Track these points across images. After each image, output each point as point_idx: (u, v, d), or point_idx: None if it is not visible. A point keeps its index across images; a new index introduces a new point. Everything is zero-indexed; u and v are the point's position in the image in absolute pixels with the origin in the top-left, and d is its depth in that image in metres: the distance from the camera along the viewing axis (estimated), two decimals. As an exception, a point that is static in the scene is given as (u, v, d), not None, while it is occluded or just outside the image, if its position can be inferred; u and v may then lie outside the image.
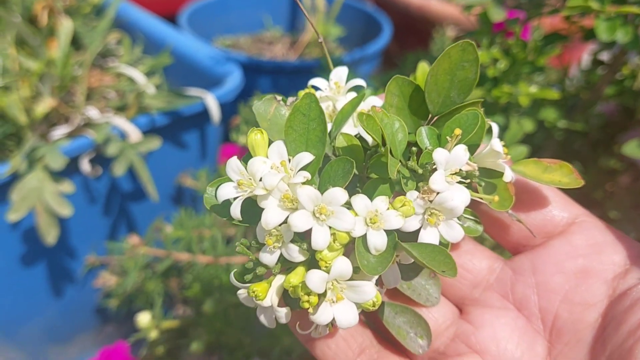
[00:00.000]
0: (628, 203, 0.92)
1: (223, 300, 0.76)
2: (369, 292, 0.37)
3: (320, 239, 0.36)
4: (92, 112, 1.03)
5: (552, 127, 0.87)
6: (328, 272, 0.36)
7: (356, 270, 0.37)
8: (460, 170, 0.39)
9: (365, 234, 0.37)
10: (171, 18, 1.58)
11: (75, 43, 1.17)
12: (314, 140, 0.39)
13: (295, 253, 0.37)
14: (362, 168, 0.42)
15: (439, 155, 0.39)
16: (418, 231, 0.40)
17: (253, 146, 0.39)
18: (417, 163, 0.41)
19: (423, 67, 0.54)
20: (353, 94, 0.47)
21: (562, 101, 0.93)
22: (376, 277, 0.39)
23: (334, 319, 0.37)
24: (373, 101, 0.45)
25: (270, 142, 0.40)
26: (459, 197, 0.39)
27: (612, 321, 0.39)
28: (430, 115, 0.44)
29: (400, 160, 0.41)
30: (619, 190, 0.94)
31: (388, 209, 0.38)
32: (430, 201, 0.39)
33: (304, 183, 0.37)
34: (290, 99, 0.44)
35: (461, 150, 0.39)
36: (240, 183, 0.38)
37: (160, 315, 0.87)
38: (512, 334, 0.44)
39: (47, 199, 0.89)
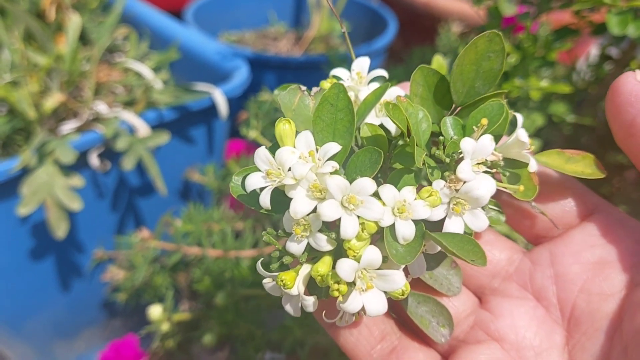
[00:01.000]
0: (635, 197, 0.92)
1: (234, 292, 0.76)
2: (398, 280, 0.37)
3: (349, 229, 0.36)
4: (101, 107, 1.04)
5: (560, 121, 0.87)
6: (357, 261, 0.37)
7: (384, 259, 0.37)
8: (485, 160, 0.40)
9: (394, 224, 0.38)
10: (177, 13, 1.58)
11: (83, 38, 1.17)
12: (342, 131, 0.40)
13: (323, 242, 0.37)
14: (386, 158, 0.42)
15: (467, 144, 0.39)
16: (442, 220, 0.40)
17: (281, 136, 0.40)
18: (444, 152, 0.41)
19: (438, 60, 0.55)
20: (374, 84, 0.47)
21: (570, 96, 0.93)
22: (403, 266, 0.39)
23: (362, 307, 0.37)
24: (394, 92, 0.45)
25: (296, 132, 0.40)
26: (485, 186, 0.39)
27: (629, 311, 0.40)
28: (453, 106, 0.44)
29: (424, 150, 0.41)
30: (627, 185, 0.95)
31: (415, 199, 0.38)
32: (457, 190, 0.39)
33: (332, 173, 0.37)
34: (315, 89, 0.44)
35: (487, 140, 0.40)
36: (269, 173, 0.38)
37: (171, 308, 0.87)
38: (531, 322, 0.44)
39: (57, 193, 0.89)
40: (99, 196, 1.06)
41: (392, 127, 0.43)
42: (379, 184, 0.38)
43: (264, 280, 0.41)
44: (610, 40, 0.92)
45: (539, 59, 0.73)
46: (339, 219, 0.36)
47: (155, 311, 0.84)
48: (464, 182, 0.39)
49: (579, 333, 0.43)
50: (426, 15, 1.62)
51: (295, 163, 0.37)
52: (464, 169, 0.38)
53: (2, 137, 0.99)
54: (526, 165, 0.43)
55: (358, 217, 0.37)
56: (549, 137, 0.96)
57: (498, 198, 0.47)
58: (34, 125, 0.99)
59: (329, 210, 0.36)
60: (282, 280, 0.38)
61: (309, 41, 1.70)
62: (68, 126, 1.00)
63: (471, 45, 0.42)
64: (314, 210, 0.37)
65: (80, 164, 0.96)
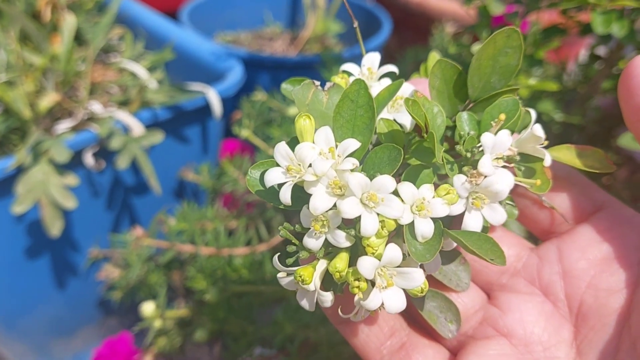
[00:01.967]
0: (625, 196, 0.93)
1: (226, 289, 0.77)
2: (418, 278, 0.38)
3: (369, 226, 0.36)
4: (96, 107, 1.04)
5: (549, 120, 0.88)
6: (377, 258, 0.37)
7: (402, 257, 0.38)
8: (502, 155, 0.41)
9: (413, 222, 0.38)
10: (172, 14, 1.59)
11: (78, 39, 1.18)
12: (361, 127, 0.40)
13: (342, 239, 0.37)
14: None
15: (488, 139, 0.40)
16: (456, 216, 0.41)
17: (301, 132, 0.40)
18: (463, 147, 0.42)
19: (434, 57, 0.55)
20: (385, 80, 0.48)
21: (559, 95, 0.94)
22: (419, 263, 0.39)
23: (382, 304, 0.38)
24: (406, 88, 0.45)
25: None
26: (505, 180, 0.40)
27: (638, 306, 0.40)
28: (468, 100, 0.45)
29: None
30: (617, 183, 0.96)
31: (434, 197, 0.39)
32: (477, 185, 0.40)
33: (352, 170, 0.37)
34: (328, 84, 0.44)
35: (505, 135, 0.40)
36: (290, 169, 0.38)
37: (164, 305, 0.88)
38: (539, 318, 0.45)
39: (52, 192, 0.90)
40: (93, 195, 1.07)
41: (405, 123, 0.44)
42: (402, 182, 0.39)
43: (279, 275, 0.41)
44: (599, 40, 0.93)
45: (527, 57, 0.74)
46: (358, 216, 0.36)
47: (148, 308, 0.85)
48: (485, 177, 0.39)
49: (586, 328, 0.43)
50: (420, 16, 1.63)
51: (316, 159, 0.37)
52: (485, 164, 0.39)
53: (-2, 137, 1.00)
54: (539, 159, 0.44)
55: (378, 214, 0.37)
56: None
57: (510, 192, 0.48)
58: (29, 125, 1.00)
59: (350, 208, 0.36)
60: (300, 276, 0.38)
61: (304, 41, 1.71)
62: (63, 125, 1.01)
63: (490, 40, 0.43)
64: (333, 207, 0.37)
65: (75, 163, 0.97)
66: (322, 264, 0.40)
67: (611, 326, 0.42)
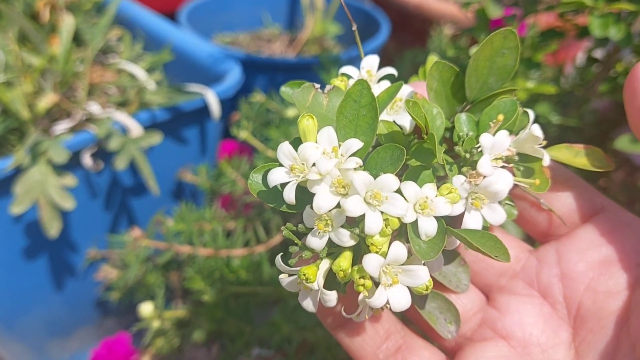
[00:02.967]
0: (622, 198, 0.94)
1: (224, 290, 0.77)
2: (423, 276, 0.38)
3: (374, 224, 0.36)
4: (94, 108, 1.05)
5: (546, 122, 0.89)
6: (382, 256, 0.37)
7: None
8: (501, 155, 0.41)
9: (416, 220, 0.38)
10: (170, 15, 1.59)
11: (77, 39, 1.18)
12: (364, 127, 0.40)
13: (345, 237, 0.37)
14: None
15: (486, 140, 0.40)
16: (457, 217, 0.41)
17: (304, 132, 0.40)
18: (462, 148, 0.42)
19: (432, 59, 0.56)
20: (385, 82, 0.48)
21: (557, 98, 0.94)
22: (422, 262, 0.39)
23: (387, 302, 0.38)
24: (405, 90, 0.46)
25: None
26: (504, 180, 0.40)
27: (635, 309, 0.40)
28: (466, 102, 0.45)
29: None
30: (613, 185, 0.96)
31: (436, 196, 0.39)
32: (477, 185, 0.40)
33: (355, 169, 0.37)
34: (328, 87, 0.44)
35: (504, 136, 0.41)
36: (293, 168, 0.38)
37: (162, 305, 0.88)
38: (537, 320, 0.45)
39: (50, 192, 0.90)
40: (91, 196, 1.07)
41: (405, 124, 0.44)
42: (405, 181, 0.39)
43: (281, 276, 0.41)
44: (596, 43, 0.93)
45: (525, 60, 0.74)
46: (362, 215, 0.37)
47: (146, 308, 0.85)
48: (484, 177, 0.40)
49: (585, 330, 0.43)
50: (418, 18, 1.63)
51: (320, 159, 0.37)
52: (484, 164, 0.39)
53: (-4, 137, 1.00)
54: (537, 159, 0.44)
55: (382, 213, 0.37)
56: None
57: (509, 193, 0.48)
58: (27, 125, 1.00)
59: (354, 206, 0.36)
60: (304, 275, 0.38)
61: (303, 43, 1.71)
62: (61, 126, 1.01)
63: (487, 41, 0.43)
64: (337, 206, 0.37)
65: (73, 164, 0.97)
66: (325, 264, 0.40)
67: (610, 328, 0.42)
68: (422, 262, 0.39)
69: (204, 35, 1.49)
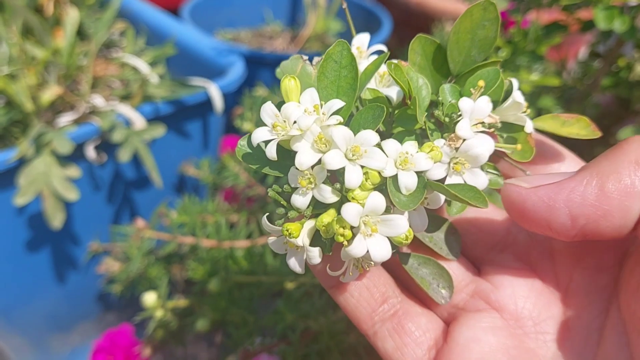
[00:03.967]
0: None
1: (228, 279, 0.77)
2: (401, 225, 0.38)
3: (353, 178, 0.37)
4: (97, 100, 1.05)
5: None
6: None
7: (387, 210, 0.38)
8: (483, 121, 0.41)
9: (396, 175, 0.39)
10: (174, 11, 1.59)
11: (81, 33, 1.19)
12: (345, 88, 0.41)
13: (327, 193, 0.38)
14: (387, 123, 0.43)
15: (465, 104, 0.41)
16: (442, 181, 0.41)
17: (287, 92, 0.41)
18: (443, 113, 0.42)
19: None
20: (374, 57, 0.48)
21: (559, 92, 0.95)
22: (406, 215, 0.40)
23: (367, 254, 0.38)
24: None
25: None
26: (484, 144, 0.40)
27: (625, 284, 0.41)
28: (451, 76, 0.46)
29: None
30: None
31: (417, 152, 0.40)
32: (457, 149, 0.40)
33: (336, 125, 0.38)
34: (316, 59, 0.45)
35: (485, 101, 0.41)
36: (275, 125, 0.39)
37: (165, 295, 0.89)
38: (530, 294, 0.45)
39: (54, 183, 0.90)
40: (95, 188, 1.07)
41: (392, 96, 0.45)
42: (387, 139, 0.39)
43: (269, 238, 0.42)
44: (599, 38, 0.93)
45: (529, 53, 0.74)
46: (343, 170, 0.37)
47: (149, 298, 0.85)
48: (463, 141, 0.40)
49: (574, 305, 0.44)
50: (420, 15, 1.64)
51: (301, 116, 0.39)
52: (463, 127, 0.40)
53: (0, 129, 1.01)
54: (522, 128, 0.44)
55: (362, 167, 0.38)
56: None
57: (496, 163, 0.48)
58: (31, 117, 1.00)
59: (334, 160, 0.37)
60: (287, 230, 0.38)
61: (305, 40, 1.71)
62: (65, 119, 1.01)
63: (466, 13, 0.43)
64: (319, 163, 0.38)
65: (76, 156, 0.97)
66: (309, 223, 0.40)
67: (599, 302, 0.43)
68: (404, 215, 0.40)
69: (206, 32, 1.50)
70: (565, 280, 0.45)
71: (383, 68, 0.46)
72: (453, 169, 0.41)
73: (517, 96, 0.43)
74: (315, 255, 0.40)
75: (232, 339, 0.75)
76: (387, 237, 0.39)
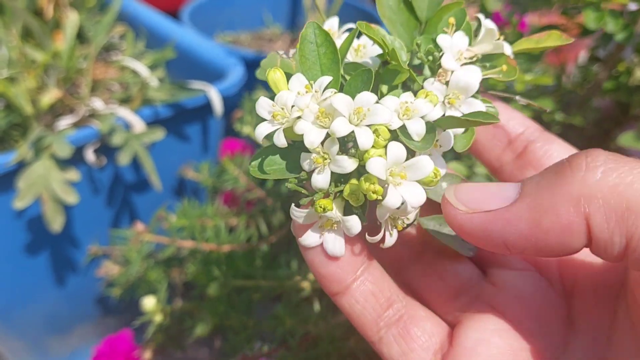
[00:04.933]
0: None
1: (227, 284, 0.77)
2: (426, 164, 0.38)
3: (364, 139, 0.37)
4: (97, 104, 1.05)
5: (550, 120, 0.89)
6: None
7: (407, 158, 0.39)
8: (462, 55, 0.44)
9: (404, 125, 0.39)
10: (173, 14, 1.59)
11: (80, 36, 1.19)
12: (327, 64, 0.42)
13: (345, 162, 0.38)
14: (373, 88, 0.44)
15: (444, 40, 0.43)
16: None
17: (275, 83, 0.41)
18: (425, 56, 0.44)
19: None
20: (345, 35, 0.49)
21: (559, 96, 0.95)
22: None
23: (403, 205, 0.38)
24: (365, 39, 0.48)
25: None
26: (472, 73, 0.42)
27: (633, 283, 0.40)
28: (420, 23, 0.47)
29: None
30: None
31: (415, 99, 0.41)
32: (447, 83, 0.42)
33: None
34: (292, 51, 0.46)
35: (460, 35, 0.44)
36: (275, 115, 0.40)
37: (164, 299, 0.88)
38: (535, 295, 0.45)
39: (54, 187, 0.90)
40: (94, 191, 1.07)
41: (369, 62, 0.46)
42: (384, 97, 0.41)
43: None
44: (598, 42, 0.94)
45: (526, 55, 0.74)
46: (353, 138, 0.38)
47: (149, 302, 0.85)
48: (451, 72, 0.42)
49: (581, 305, 0.44)
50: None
51: (297, 98, 0.39)
52: (448, 59, 0.42)
53: (-1, 132, 1.01)
54: (502, 56, 0.46)
55: (369, 126, 0.38)
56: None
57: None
58: (30, 121, 1.00)
59: (341, 126, 0.37)
60: (320, 206, 0.38)
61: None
62: (64, 122, 1.01)
63: None
64: (327, 138, 0.38)
65: (76, 160, 0.97)
66: (336, 202, 0.40)
67: (606, 302, 0.42)
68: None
69: (205, 35, 1.50)
70: (571, 281, 0.45)
71: (355, 44, 0.47)
72: (449, 103, 0.43)
73: (488, 24, 0.45)
74: (354, 223, 0.40)
75: (231, 344, 0.74)
76: (417, 182, 0.39)
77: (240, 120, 1.07)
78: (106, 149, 1.01)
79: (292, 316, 0.68)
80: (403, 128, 0.39)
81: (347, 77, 0.43)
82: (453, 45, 0.43)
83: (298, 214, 0.41)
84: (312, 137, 0.38)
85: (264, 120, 0.41)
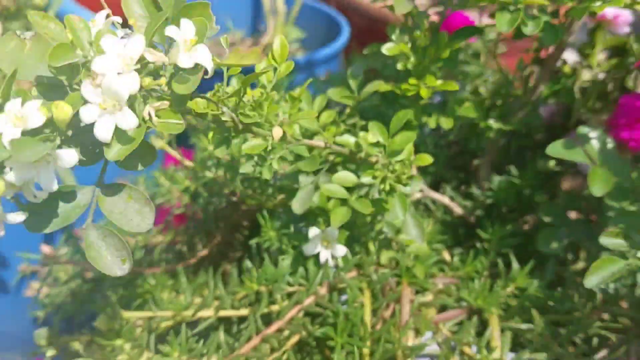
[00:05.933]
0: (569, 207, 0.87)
1: (115, 315, 0.70)
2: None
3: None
4: None
5: (486, 127, 0.83)
6: None
7: None
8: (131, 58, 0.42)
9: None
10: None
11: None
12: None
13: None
14: None
15: (106, 41, 0.41)
16: None
17: None
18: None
19: None
20: None
21: (504, 104, 0.89)
22: None
23: None
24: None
25: None
26: (127, 81, 0.40)
27: None
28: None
29: None
30: (562, 193, 0.90)
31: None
32: (99, 86, 0.40)
33: None
34: (28, 33, 0.43)
35: (137, 40, 0.42)
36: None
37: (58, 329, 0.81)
38: None
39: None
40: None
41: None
42: None
43: None
44: (539, 44, 0.88)
45: (444, 59, 0.68)
46: None
47: (40, 334, 0.76)
48: (103, 77, 0.39)
49: None
50: (381, 21, 1.59)
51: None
52: (97, 62, 0.39)
53: None
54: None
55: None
56: (477, 147, 0.92)
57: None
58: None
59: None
60: None
61: (264, 47, 1.66)
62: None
63: None
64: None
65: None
66: None
67: None
68: None
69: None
70: None
71: None
72: (100, 108, 0.40)
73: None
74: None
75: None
76: None
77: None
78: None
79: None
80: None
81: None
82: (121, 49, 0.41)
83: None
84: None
85: None
